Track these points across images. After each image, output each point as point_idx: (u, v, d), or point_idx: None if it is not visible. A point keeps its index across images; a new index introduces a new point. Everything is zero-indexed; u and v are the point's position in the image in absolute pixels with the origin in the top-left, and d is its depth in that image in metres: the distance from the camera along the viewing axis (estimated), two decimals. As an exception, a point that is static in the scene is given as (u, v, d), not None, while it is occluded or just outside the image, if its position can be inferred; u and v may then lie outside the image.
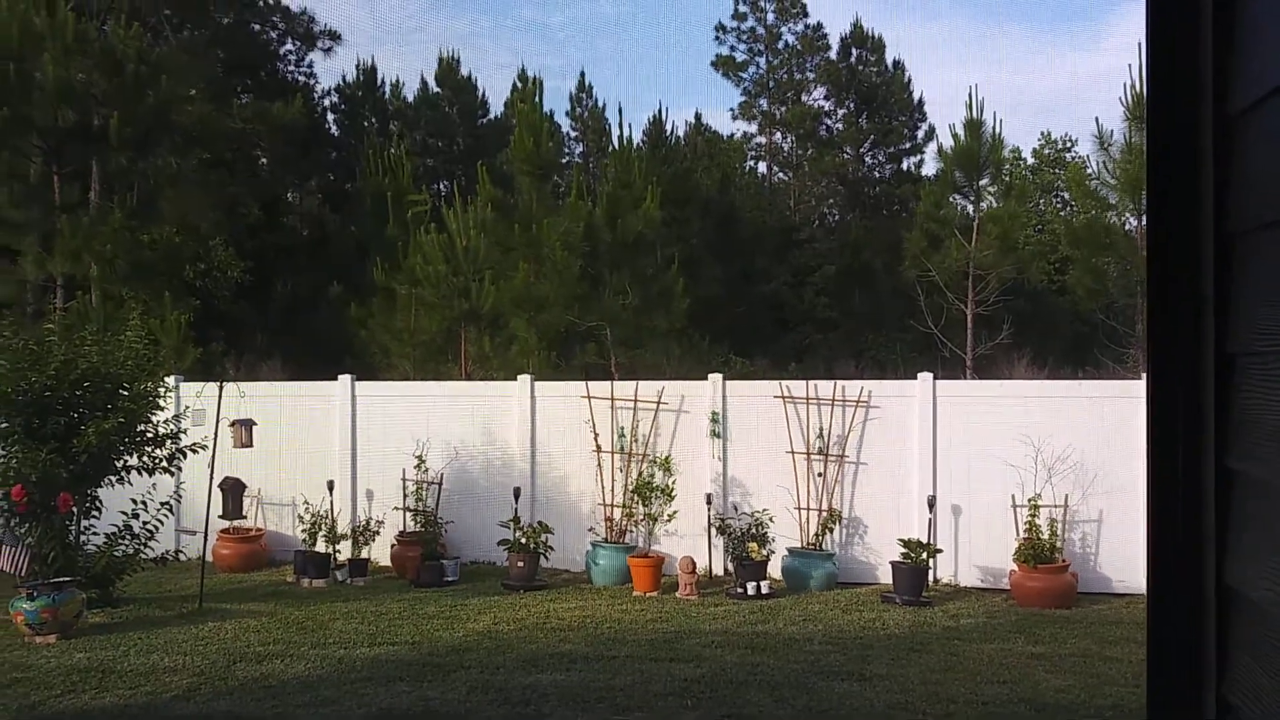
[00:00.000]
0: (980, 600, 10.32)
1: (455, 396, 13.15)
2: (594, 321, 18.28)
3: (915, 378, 11.39)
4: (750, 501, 11.27)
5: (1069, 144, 36.46)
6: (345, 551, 11.69)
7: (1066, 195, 33.46)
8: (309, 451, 12.65)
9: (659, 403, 11.74)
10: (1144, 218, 17.22)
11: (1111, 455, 10.39)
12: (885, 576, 10.68)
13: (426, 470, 12.03)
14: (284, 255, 26.19)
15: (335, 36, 29.30)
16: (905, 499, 11.06)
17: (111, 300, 16.75)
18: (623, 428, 11.79)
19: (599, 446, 11.80)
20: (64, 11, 16.70)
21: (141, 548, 10.05)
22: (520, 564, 10.94)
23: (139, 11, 20.26)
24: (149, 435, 10.05)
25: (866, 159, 35.49)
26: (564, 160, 30.44)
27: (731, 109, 37.09)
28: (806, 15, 35.74)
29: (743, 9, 35.91)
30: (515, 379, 12.75)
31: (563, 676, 7.41)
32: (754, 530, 10.78)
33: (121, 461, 9.87)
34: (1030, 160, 36.94)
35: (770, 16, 36.00)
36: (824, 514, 11.10)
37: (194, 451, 10.23)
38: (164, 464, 10.15)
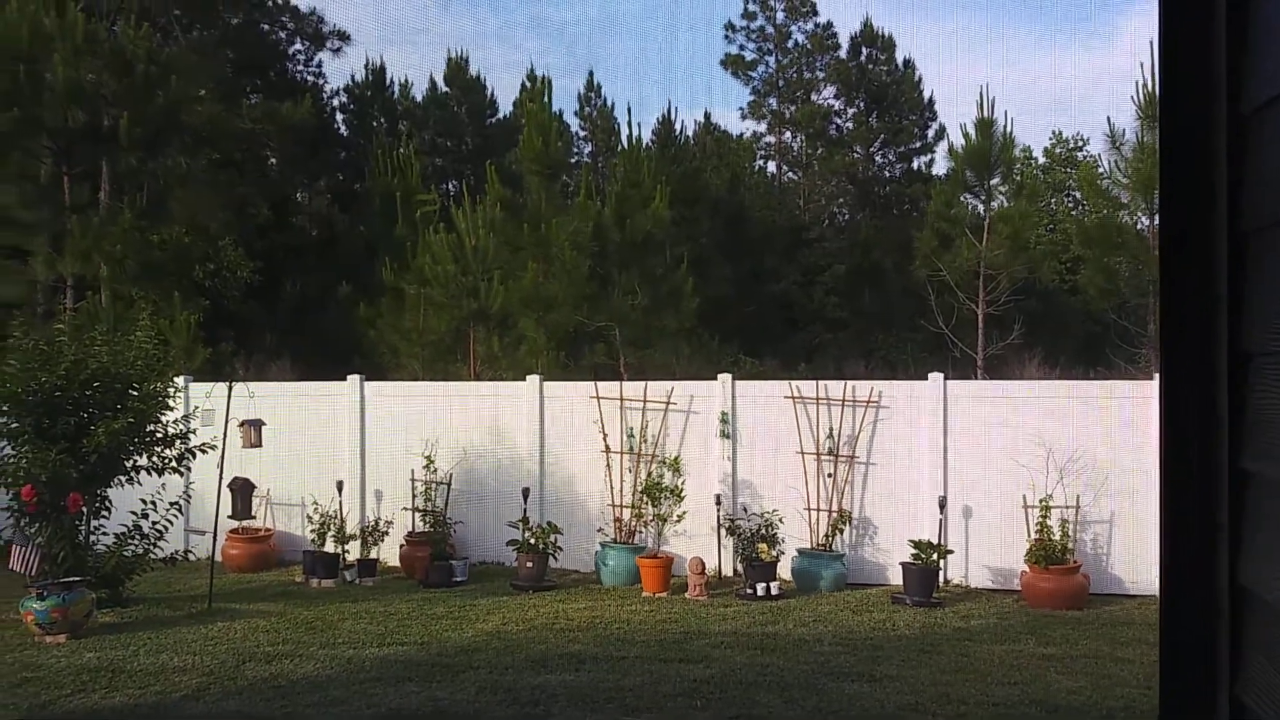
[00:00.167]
0: (991, 601, 10.28)
1: (464, 397, 13.16)
2: (603, 321, 18.27)
3: (926, 378, 11.36)
4: (760, 502, 11.24)
5: (1080, 143, 36.33)
6: (354, 552, 11.70)
7: (1078, 194, 33.34)
8: (318, 452, 12.66)
9: (668, 403, 11.72)
10: (1156, 217, 17.20)
11: (1123, 456, 10.34)
12: (895, 577, 10.65)
13: (435, 470, 12.03)
14: (293, 255, 26.24)
15: (344, 37, 29.39)
16: (915, 500, 11.02)
17: (121, 300, 16.80)
18: (631, 428, 11.78)
19: (608, 447, 11.79)
20: (74, 12, 16.76)
21: (151, 548, 10.07)
22: (529, 564, 10.94)
23: (149, 12, 20.33)
24: (158, 435, 10.07)
25: (877, 158, 35.42)
26: (573, 160, 30.44)
27: (741, 108, 37.06)
28: (816, 14, 35.71)
29: (752, 8, 35.89)
30: (524, 379, 12.74)
31: (572, 677, 7.40)
32: (763, 531, 10.75)
33: (131, 461, 9.89)
34: (1041, 159, 36.82)
35: (780, 15, 35.97)
36: (834, 515, 11.07)
37: (203, 451, 10.25)
38: (173, 464, 10.16)
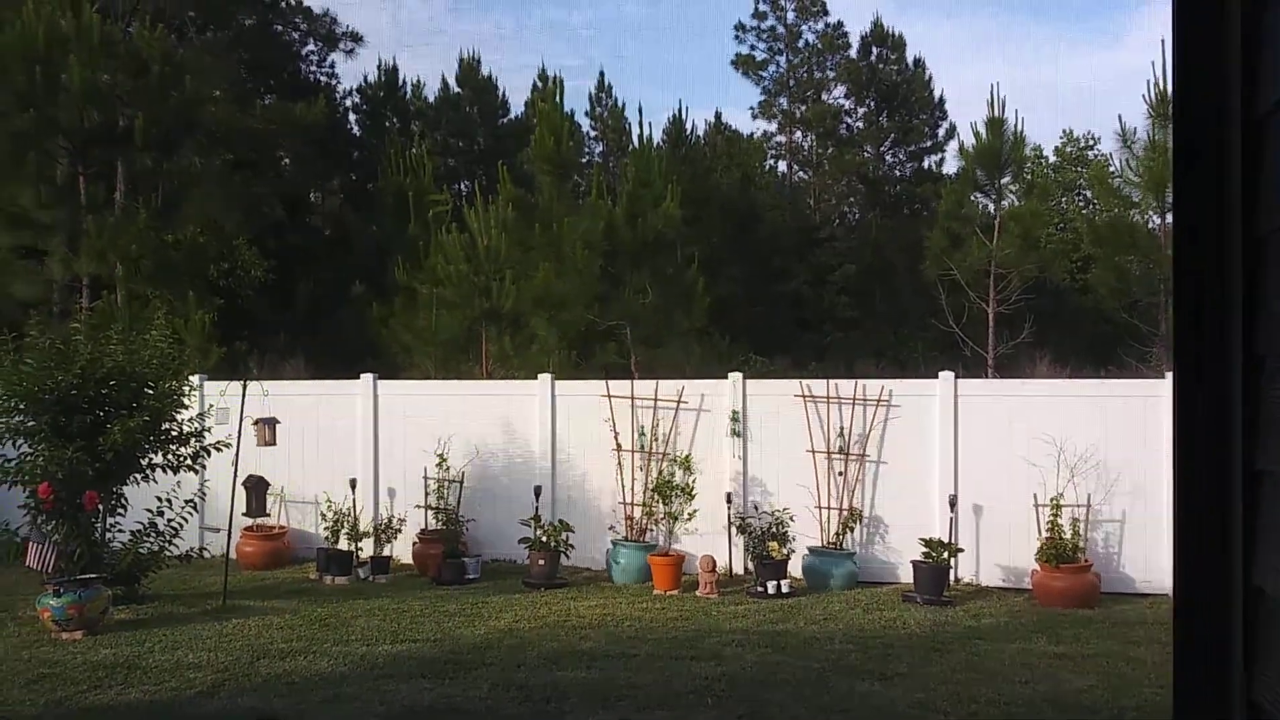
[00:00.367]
0: (1002, 600, 10.28)
1: (476, 395, 13.20)
2: (614, 320, 18.30)
3: (936, 377, 11.35)
4: (770, 500, 11.25)
5: (1091, 142, 36.23)
6: (367, 549, 11.75)
7: (1089, 193, 33.23)
8: (331, 450, 12.72)
9: (679, 402, 11.74)
10: (1168, 216, 17.15)
11: (1135, 455, 10.33)
12: (906, 576, 10.65)
13: (448, 468, 12.07)
14: (306, 255, 26.35)
15: (357, 38, 29.50)
16: (926, 498, 11.02)
17: (137, 300, 16.89)
18: (643, 426, 11.80)
19: (619, 445, 11.82)
20: (89, 14, 16.85)
21: (166, 545, 10.11)
22: (541, 562, 10.97)
23: (163, 13, 20.42)
24: (174, 433, 10.11)
25: (887, 157, 35.40)
26: (584, 160, 30.48)
27: (751, 108, 37.07)
28: (827, 14, 35.71)
29: (763, 8, 35.90)
30: (536, 378, 12.76)
31: (584, 674, 7.43)
32: (774, 529, 10.77)
33: (146, 459, 9.94)
34: (1052, 158, 36.73)
35: (790, 15, 35.96)
36: (845, 513, 11.08)
37: (218, 450, 10.29)
38: (188, 462, 10.20)
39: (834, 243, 32.38)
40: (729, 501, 11.28)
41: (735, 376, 11.78)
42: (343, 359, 17.89)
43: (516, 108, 31.70)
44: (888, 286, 29.50)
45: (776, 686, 7.16)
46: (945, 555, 10.26)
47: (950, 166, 31.45)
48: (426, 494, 12.16)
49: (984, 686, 7.14)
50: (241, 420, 10.41)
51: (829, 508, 11.14)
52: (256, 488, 11.50)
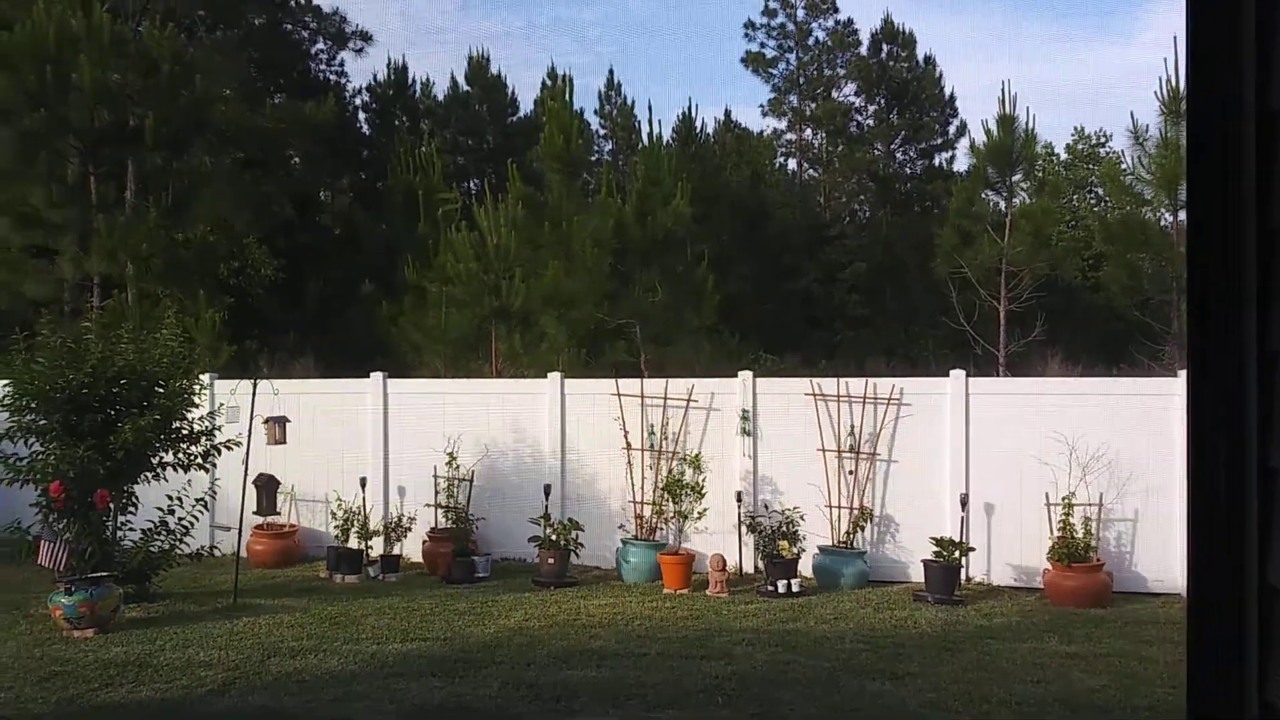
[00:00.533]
0: (1013, 599, 10.24)
1: (486, 394, 13.20)
2: (624, 319, 18.29)
3: (947, 375, 11.31)
4: (781, 499, 11.23)
5: (1103, 139, 36.07)
6: (377, 548, 11.76)
7: (1101, 191, 33.12)
8: (342, 448, 12.73)
9: (689, 400, 11.72)
10: (1180, 213, 17.06)
11: (1147, 454, 10.28)
12: (917, 575, 10.62)
13: (458, 467, 12.08)
14: (316, 254, 26.40)
15: (366, 37, 29.54)
16: (937, 497, 10.98)
17: (147, 299, 16.94)
18: (652, 425, 11.79)
19: (629, 444, 11.81)
20: (100, 13, 16.91)
21: (177, 543, 10.15)
22: (551, 561, 10.97)
23: (173, 12, 20.48)
24: (184, 432, 10.14)
25: (897, 155, 35.31)
26: (593, 158, 30.48)
27: (761, 105, 37.04)
28: (837, 11, 35.63)
29: (773, 5, 35.84)
30: (545, 376, 12.77)
31: (594, 673, 7.42)
32: (785, 528, 10.75)
33: (157, 458, 9.97)
34: (1064, 155, 36.59)
35: (800, 13, 35.90)
36: (855, 512, 11.05)
37: (228, 448, 10.32)
38: (199, 460, 10.24)
39: (844, 240, 32.33)
40: (739, 500, 11.26)
41: (745, 375, 11.76)
42: (352, 358, 17.91)
43: (526, 106, 31.72)
44: (898, 284, 29.44)
45: (787, 686, 7.14)
46: (956, 554, 10.23)
47: (961, 164, 31.40)
48: (436, 492, 12.17)
49: (995, 686, 7.11)
50: (252, 419, 10.43)
51: (839, 506, 11.11)
52: (267, 486, 11.54)
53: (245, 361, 17.50)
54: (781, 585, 10.29)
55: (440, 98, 31.58)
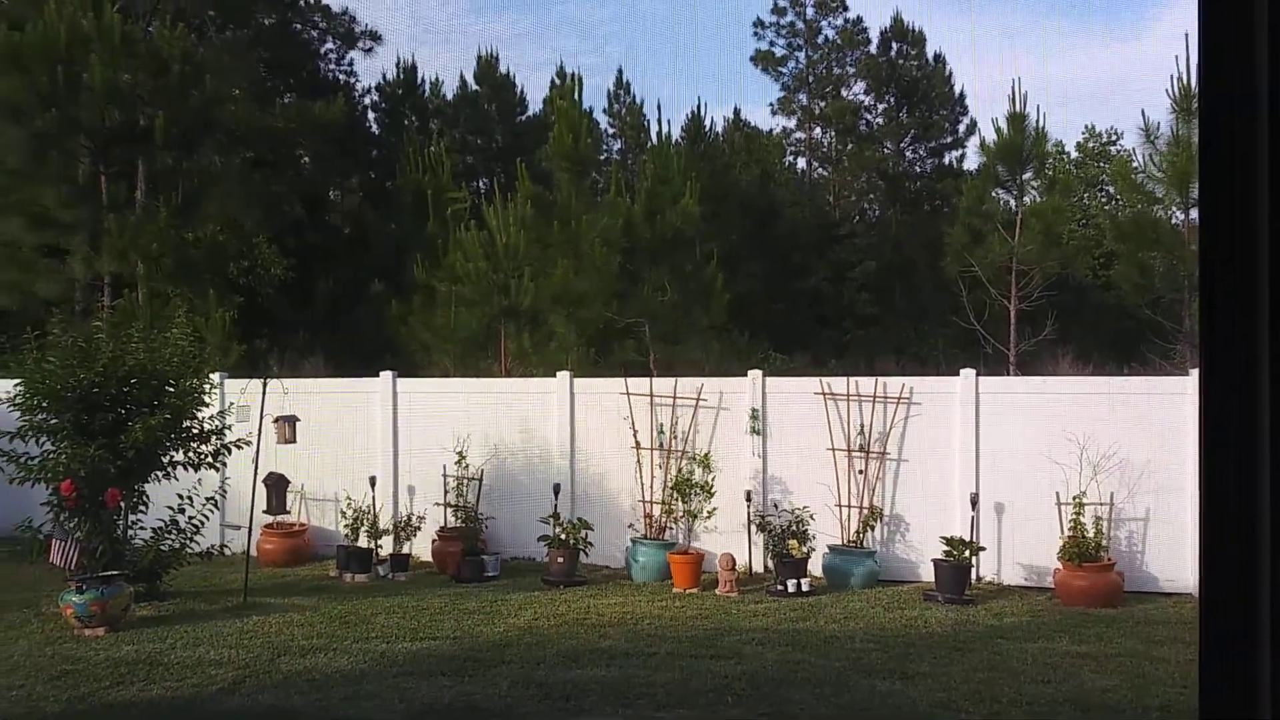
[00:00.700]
0: (1024, 599, 10.21)
1: (495, 393, 13.21)
2: (633, 318, 18.29)
3: (957, 374, 11.28)
4: (790, 499, 11.22)
5: (1114, 137, 35.93)
6: (387, 547, 11.78)
7: (1111, 189, 33.01)
8: (351, 447, 12.76)
9: (698, 399, 11.72)
10: (1192, 212, 16.98)
11: (1158, 453, 10.24)
12: (927, 574, 10.60)
13: (467, 466, 12.09)
14: (325, 253, 26.44)
15: (375, 36, 29.56)
16: (947, 496, 10.96)
17: (158, 298, 17.00)
18: (662, 424, 11.78)
19: (638, 443, 11.80)
20: (110, 13, 16.96)
21: (187, 542, 10.18)
22: (560, 560, 10.97)
23: (183, 12, 20.54)
24: (194, 431, 10.18)
25: (907, 153, 35.23)
26: (602, 157, 30.46)
27: (770, 104, 36.96)
28: (846, 9, 35.55)
29: (782, 4, 35.77)
30: (554, 375, 12.77)
31: (603, 672, 7.42)
32: (794, 527, 10.73)
33: (168, 457, 10.00)
34: (1074, 154, 36.46)
35: (810, 11, 35.84)
36: (865, 511, 11.03)
37: (238, 447, 10.35)
38: (209, 460, 10.27)
39: (854, 239, 32.26)
40: (748, 499, 11.25)
41: (755, 374, 11.75)
42: (362, 357, 17.95)
43: (535, 105, 31.70)
44: (908, 283, 29.37)
45: (797, 685, 7.13)
46: (967, 554, 10.20)
47: (971, 162, 31.27)
48: (445, 492, 12.18)
49: (1006, 686, 7.09)
50: (262, 418, 10.45)
51: (849, 506, 11.09)
52: (277, 485, 11.56)
53: (255, 361, 17.54)
54: (791, 584, 10.28)
55: (449, 97, 31.60)
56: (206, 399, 10.44)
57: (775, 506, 11.22)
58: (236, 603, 9.87)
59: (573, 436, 12.21)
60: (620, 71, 37.54)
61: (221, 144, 20.29)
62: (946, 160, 34.41)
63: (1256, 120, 1.66)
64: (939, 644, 8.35)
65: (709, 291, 18.62)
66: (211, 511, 10.35)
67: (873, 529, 11.04)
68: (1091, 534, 10.07)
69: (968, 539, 10.33)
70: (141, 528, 10.07)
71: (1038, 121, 19.92)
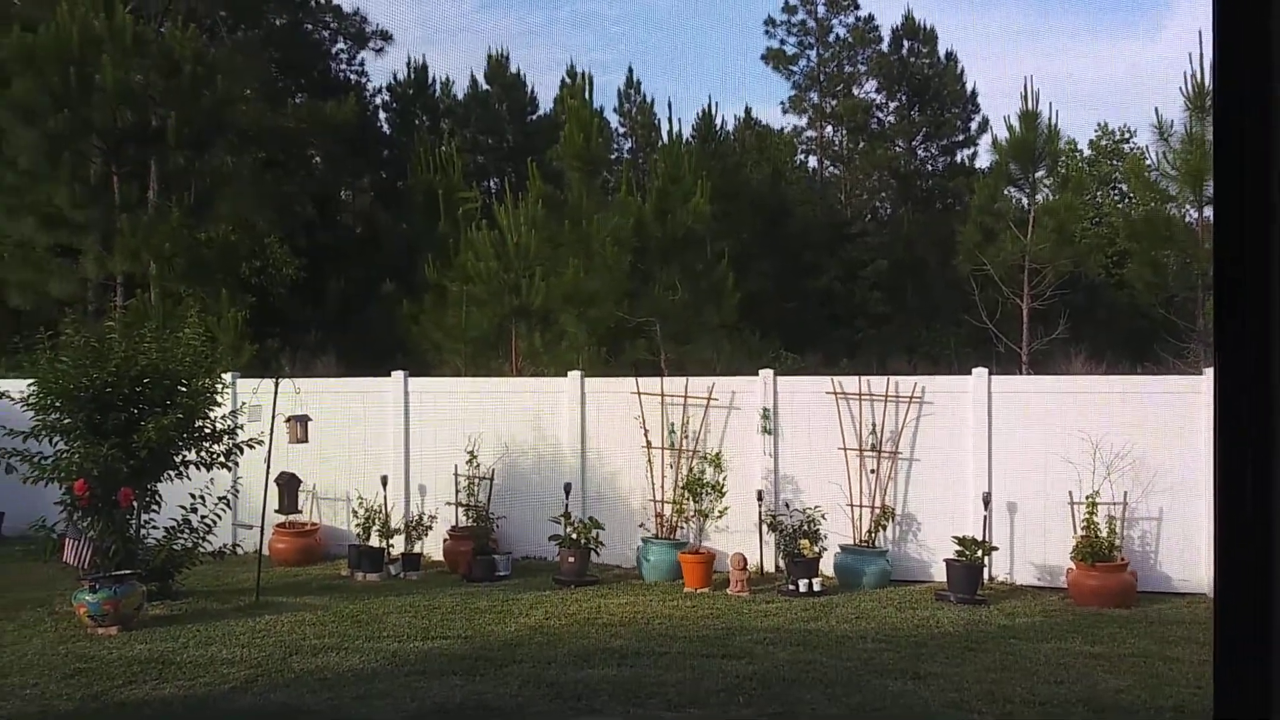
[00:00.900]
0: (1036, 599, 10.17)
1: (506, 392, 13.22)
2: (644, 317, 18.29)
3: (970, 373, 11.24)
4: (802, 498, 11.19)
5: (1127, 135, 35.78)
6: (398, 546, 11.80)
7: (1125, 187, 32.87)
8: (363, 447, 12.79)
9: (709, 399, 11.70)
10: (1206, 210, 16.90)
11: (1172, 452, 10.19)
12: (939, 574, 10.56)
13: (478, 466, 12.10)
14: (337, 253, 26.50)
15: (386, 36, 29.63)
16: (960, 496, 10.92)
17: (170, 298, 17.07)
18: (673, 424, 11.77)
19: (649, 442, 11.80)
20: (122, 14, 17.03)
21: (200, 541, 10.21)
22: (571, 559, 10.97)
23: (195, 13, 20.62)
24: (207, 431, 10.20)
25: (919, 152, 35.15)
26: (613, 156, 30.46)
27: (782, 103, 36.92)
28: (857, 7, 35.50)
29: (793, 2, 35.73)
30: (565, 375, 12.78)
31: (614, 672, 7.41)
32: (806, 527, 10.71)
33: (180, 457, 10.03)
34: (1087, 152, 36.31)
35: (821, 9, 35.79)
36: (877, 511, 11.00)
37: (250, 447, 10.37)
38: (221, 459, 10.29)
39: (865, 238, 32.20)
40: (760, 499, 11.23)
41: (766, 373, 11.73)
42: (373, 356, 17.98)
43: (545, 104, 31.71)
44: (920, 282, 29.31)
45: (808, 685, 7.11)
46: (979, 553, 10.17)
47: (983, 160, 31.17)
48: (457, 491, 12.19)
49: (1018, 686, 7.06)
50: (274, 417, 10.48)
51: (861, 505, 11.06)
52: (289, 485, 11.59)
53: (267, 360, 17.59)
54: (803, 584, 10.26)
55: (460, 97, 31.62)
56: (219, 399, 10.45)
57: (787, 506, 11.20)
58: (248, 602, 9.90)
59: (584, 436, 12.21)
60: (631, 70, 37.54)
61: (233, 144, 20.36)
62: (958, 158, 34.33)
63: (1270, 119, 1.65)
64: (951, 644, 8.32)
65: (720, 290, 18.61)
66: (224, 511, 10.37)
67: (884, 529, 11.01)
68: (1105, 534, 10.02)
69: (980, 539, 10.29)
70: (154, 527, 10.10)
71: (1050, 119, 19.88)
